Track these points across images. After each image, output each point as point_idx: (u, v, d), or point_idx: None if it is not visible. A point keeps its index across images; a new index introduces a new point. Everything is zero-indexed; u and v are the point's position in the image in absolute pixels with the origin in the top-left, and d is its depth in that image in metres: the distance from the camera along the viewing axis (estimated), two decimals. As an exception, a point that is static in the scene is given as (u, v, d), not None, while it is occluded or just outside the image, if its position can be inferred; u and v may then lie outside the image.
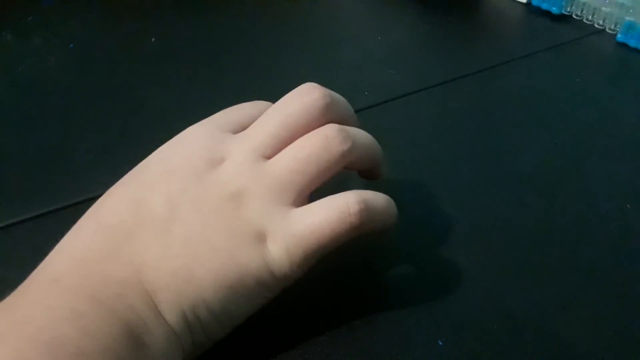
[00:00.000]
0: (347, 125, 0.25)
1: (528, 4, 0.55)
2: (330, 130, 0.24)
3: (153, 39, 0.47)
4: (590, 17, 0.52)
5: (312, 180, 0.24)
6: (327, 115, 0.25)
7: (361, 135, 0.26)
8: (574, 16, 0.53)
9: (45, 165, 0.34)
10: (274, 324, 0.25)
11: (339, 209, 0.23)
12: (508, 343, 0.25)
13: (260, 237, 0.23)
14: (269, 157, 0.24)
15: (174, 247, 0.22)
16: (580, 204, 0.33)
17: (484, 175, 0.35)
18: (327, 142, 0.24)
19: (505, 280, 0.28)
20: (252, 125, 0.25)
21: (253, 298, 0.23)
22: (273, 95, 0.42)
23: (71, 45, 0.46)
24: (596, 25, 0.52)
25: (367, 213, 0.23)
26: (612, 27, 0.51)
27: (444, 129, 0.38)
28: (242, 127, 0.26)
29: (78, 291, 0.20)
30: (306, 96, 0.25)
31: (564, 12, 0.53)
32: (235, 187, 0.23)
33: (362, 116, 0.39)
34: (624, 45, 0.49)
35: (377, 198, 0.24)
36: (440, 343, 0.25)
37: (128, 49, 0.46)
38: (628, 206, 0.32)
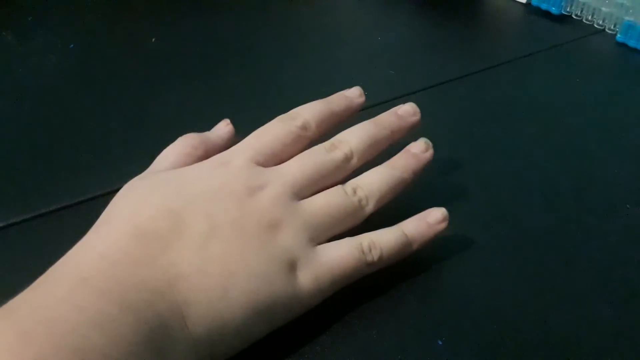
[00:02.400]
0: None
1: (528, 4, 0.55)
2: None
3: (153, 39, 0.47)
4: (589, 17, 0.52)
5: (338, 228, 0.27)
6: (349, 167, 0.28)
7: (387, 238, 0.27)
8: (574, 16, 0.53)
9: (45, 165, 0.34)
10: (274, 324, 0.25)
11: (357, 248, 0.26)
12: (509, 344, 0.25)
13: (292, 266, 0.24)
14: (300, 198, 0.26)
15: (211, 263, 0.22)
16: (581, 204, 0.33)
17: (484, 175, 0.35)
18: (354, 208, 0.27)
19: (505, 280, 0.28)
20: (288, 163, 0.28)
21: (276, 321, 0.24)
22: (273, 95, 0.42)
23: (71, 45, 0.46)
24: (596, 26, 0.52)
25: (377, 252, 0.26)
26: (612, 27, 0.51)
27: (443, 128, 0.38)
28: (275, 158, 0.28)
29: (107, 294, 0.20)
30: (336, 152, 0.28)
31: (563, 12, 0.53)
32: (273, 216, 0.25)
33: (362, 116, 0.39)
34: (623, 45, 0.49)
35: (387, 238, 0.27)
36: (440, 343, 0.25)
37: (128, 49, 0.46)
38: (628, 206, 0.32)
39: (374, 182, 0.28)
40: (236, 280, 0.23)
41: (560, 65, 0.46)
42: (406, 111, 0.31)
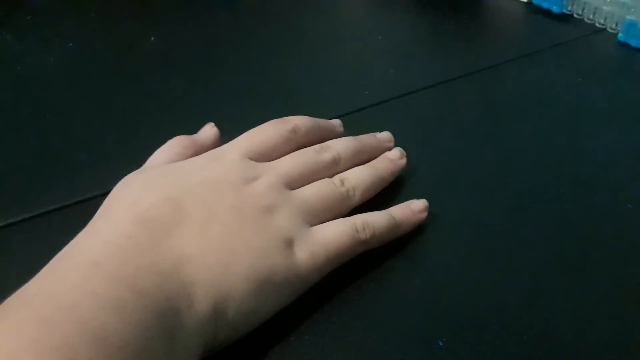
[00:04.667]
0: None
1: (529, 3, 0.55)
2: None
3: (152, 39, 0.47)
4: (591, 17, 0.52)
5: (328, 214, 0.28)
6: (336, 169, 0.30)
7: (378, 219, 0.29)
8: (575, 15, 0.53)
9: (45, 165, 0.34)
10: (274, 324, 0.25)
11: (350, 227, 0.27)
12: (509, 345, 0.25)
13: (289, 243, 0.25)
14: (292, 188, 0.28)
15: (212, 243, 0.24)
16: (581, 204, 0.33)
17: (484, 174, 0.35)
18: (342, 196, 0.29)
19: (505, 280, 0.28)
20: (280, 159, 0.29)
21: (277, 297, 0.25)
22: (273, 94, 0.42)
23: (70, 45, 0.46)
24: (597, 25, 0.52)
25: (370, 230, 0.28)
26: (613, 27, 0.51)
27: (444, 128, 0.38)
28: (264, 157, 0.29)
29: (119, 279, 0.21)
30: (325, 154, 0.30)
31: (564, 11, 0.53)
32: (268, 201, 0.26)
33: (362, 115, 0.39)
34: (625, 44, 0.49)
35: (378, 218, 0.28)
36: (441, 344, 0.25)
37: (127, 48, 0.46)
38: (630, 206, 0.32)
39: (359, 176, 0.30)
40: (237, 257, 0.24)
41: (562, 64, 0.46)
42: (383, 137, 0.34)
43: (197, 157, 0.29)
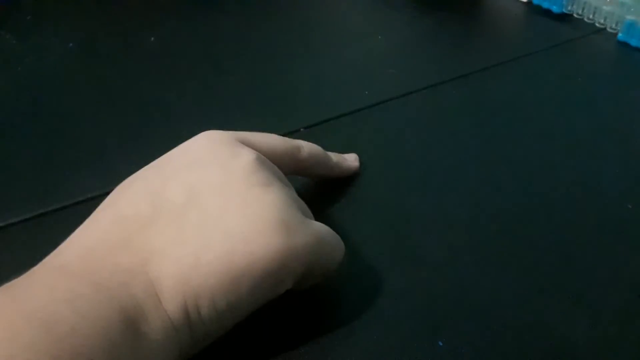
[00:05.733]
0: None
1: (529, 3, 0.55)
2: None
3: (152, 39, 0.47)
4: (591, 16, 0.52)
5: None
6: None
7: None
8: (575, 15, 0.53)
9: (45, 165, 0.34)
10: (274, 324, 0.25)
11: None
12: (509, 344, 0.25)
13: (281, 224, 0.23)
14: None
15: (185, 233, 0.22)
16: (581, 204, 0.33)
17: (484, 174, 0.35)
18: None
19: (505, 280, 0.28)
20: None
21: (257, 291, 0.22)
22: (273, 94, 0.42)
23: (70, 45, 0.46)
24: (597, 25, 0.52)
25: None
26: (613, 26, 0.51)
27: (444, 128, 0.38)
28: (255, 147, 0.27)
29: (82, 276, 0.20)
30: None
31: (564, 11, 0.53)
32: (264, 176, 0.24)
33: (362, 115, 0.39)
34: (624, 44, 0.49)
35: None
36: (441, 343, 0.25)
37: (128, 48, 0.46)
38: (630, 206, 0.32)
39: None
40: (210, 245, 0.22)
41: (561, 64, 0.46)
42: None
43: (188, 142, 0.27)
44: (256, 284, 0.22)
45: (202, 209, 0.22)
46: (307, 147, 0.30)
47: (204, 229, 0.22)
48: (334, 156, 0.33)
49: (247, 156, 0.24)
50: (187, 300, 0.21)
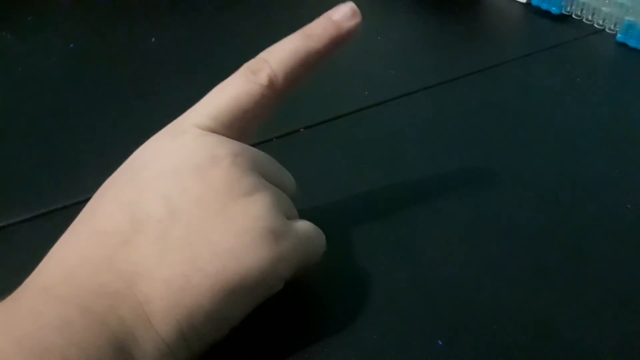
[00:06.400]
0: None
1: (528, 4, 0.55)
2: None
3: (153, 39, 0.47)
4: (590, 17, 0.52)
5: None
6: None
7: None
8: (574, 16, 0.53)
9: (45, 165, 0.34)
10: (274, 324, 0.25)
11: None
12: (509, 343, 0.25)
13: (270, 234, 0.22)
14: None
15: (171, 252, 0.21)
16: (580, 204, 0.33)
17: (484, 174, 0.35)
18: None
19: (505, 280, 0.28)
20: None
21: (251, 299, 0.22)
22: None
23: (71, 45, 0.46)
24: (596, 25, 0.52)
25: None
26: (612, 27, 0.51)
27: (444, 128, 0.38)
28: (234, 124, 0.25)
29: (68, 300, 0.20)
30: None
31: (563, 12, 0.53)
32: (246, 183, 0.23)
33: (362, 116, 0.39)
34: (623, 45, 0.49)
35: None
36: (440, 343, 0.25)
37: (128, 49, 0.46)
38: (628, 206, 0.32)
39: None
40: (199, 264, 0.21)
41: (561, 65, 0.46)
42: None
43: (158, 136, 0.25)
44: (249, 294, 0.22)
45: (185, 225, 0.21)
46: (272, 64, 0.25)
47: (190, 247, 0.21)
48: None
49: (225, 161, 0.23)
50: (180, 321, 0.21)
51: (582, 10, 0.52)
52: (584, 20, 0.52)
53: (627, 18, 0.49)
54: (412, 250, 0.29)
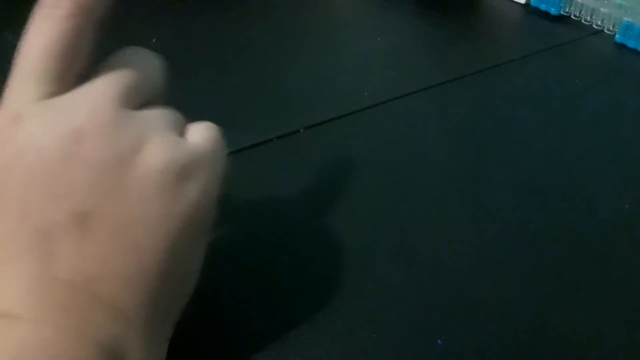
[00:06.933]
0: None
1: (527, 5, 0.55)
2: None
3: (154, 40, 0.47)
4: (588, 18, 0.52)
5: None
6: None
7: None
8: (573, 17, 0.53)
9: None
10: (274, 323, 0.25)
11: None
12: (508, 343, 0.25)
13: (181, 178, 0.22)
14: None
15: (102, 247, 0.19)
16: (579, 204, 0.33)
17: (484, 174, 0.35)
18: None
19: (505, 280, 0.28)
20: None
21: (198, 248, 0.22)
22: (273, 95, 0.42)
23: (71, 45, 0.46)
24: (594, 26, 0.52)
25: None
26: (611, 28, 0.51)
27: (443, 129, 0.39)
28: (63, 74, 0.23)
29: (42, 322, 0.18)
30: None
31: (562, 12, 0.53)
32: (129, 142, 0.21)
33: (362, 116, 0.39)
34: (622, 45, 0.49)
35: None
36: (440, 343, 0.25)
37: (128, 49, 0.46)
38: (627, 206, 0.33)
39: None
40: (133, 245, 0.19)
41: (559, 65, 0.47)
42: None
43: None
44: (186, 242, 0.21)
45: (98, 219, 0.19)
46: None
47: (117, 234, 0.19)
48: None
49: (88, 135, 0.20)
50: (156, 309, 0.20)
51: (580, 11, 0.53)
52: (582, 21, 0.53)
53: (625, 19, 0.49)
54: (411, 250, 0.29)
